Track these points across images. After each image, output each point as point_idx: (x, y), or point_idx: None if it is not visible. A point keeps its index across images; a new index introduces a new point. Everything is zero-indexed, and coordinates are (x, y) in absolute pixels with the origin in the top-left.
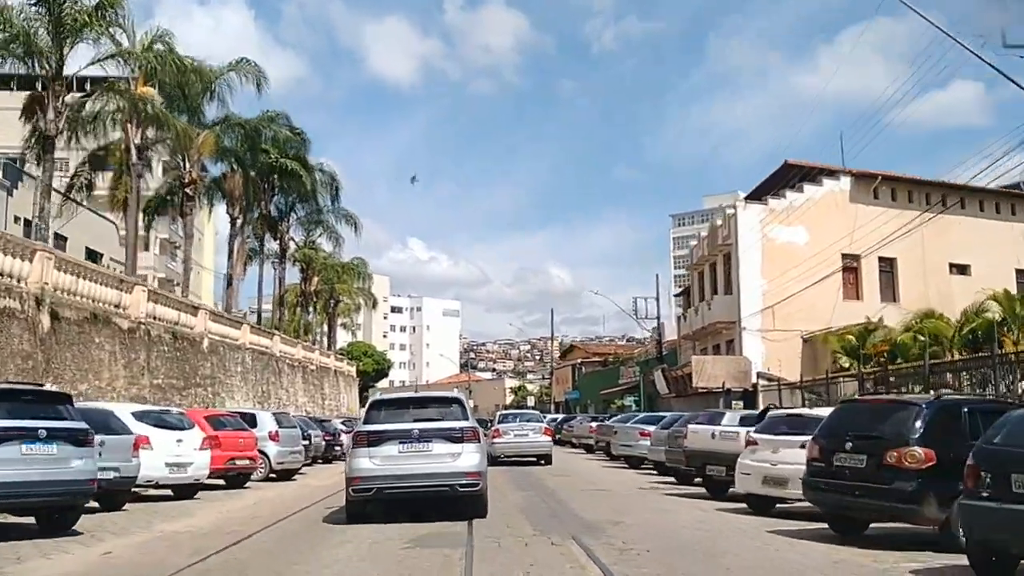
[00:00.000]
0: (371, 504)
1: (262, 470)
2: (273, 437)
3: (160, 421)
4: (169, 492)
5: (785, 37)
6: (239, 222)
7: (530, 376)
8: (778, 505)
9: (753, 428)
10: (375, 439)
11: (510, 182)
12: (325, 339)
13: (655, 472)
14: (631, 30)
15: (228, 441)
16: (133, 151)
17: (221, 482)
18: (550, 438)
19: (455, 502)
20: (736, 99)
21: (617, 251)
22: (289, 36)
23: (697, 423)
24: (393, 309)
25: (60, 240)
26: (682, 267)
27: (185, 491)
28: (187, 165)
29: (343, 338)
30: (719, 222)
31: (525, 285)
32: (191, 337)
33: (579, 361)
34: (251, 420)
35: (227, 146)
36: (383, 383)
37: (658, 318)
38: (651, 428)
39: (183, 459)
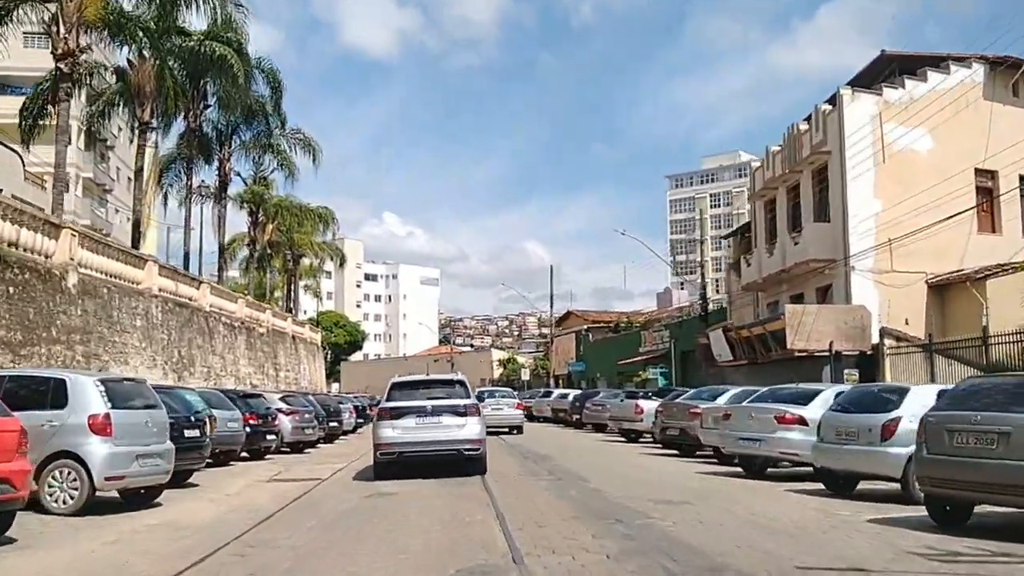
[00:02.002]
0: (394, 466)
1: (73, 495)
2: (99, 428)
3: None
4: None
5: (765, 11)
6: (152, 129)
7: (509, 351)
8: None
9: None
10: (397, 414)
11: (489, 157)
12: (286, 303)
13: (814, 482)
14: (610, 1)
15: None
16: None
17: None
18: (522, 412)
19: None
20: (715, 74)
21: (596, 228)
22: (263, 8)
23: None
24: (367, 277)
25: None
26: (681, 232)
27: None
28: (60, 30)
29: (312, 306)
30: (804, 126)
31: (502, 262)
32: (43, 269)
33: (585, 328)
34: (55, 393)
35: (126, 13)
36: (356, 356)
37: (700, 265)
38: (800, 412)
39: None
